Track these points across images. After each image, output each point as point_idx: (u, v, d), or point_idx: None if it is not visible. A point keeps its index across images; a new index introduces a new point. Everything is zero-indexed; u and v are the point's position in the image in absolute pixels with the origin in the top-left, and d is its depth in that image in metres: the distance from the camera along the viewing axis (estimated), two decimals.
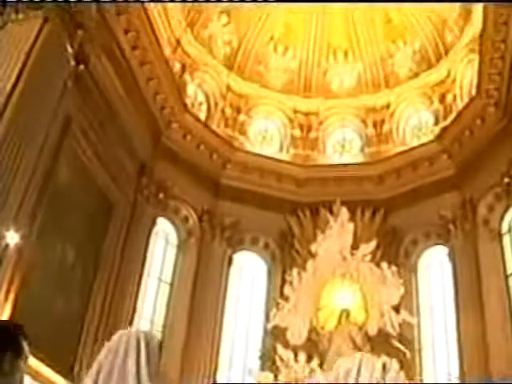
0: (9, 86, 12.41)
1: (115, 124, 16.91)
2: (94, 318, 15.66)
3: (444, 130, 20.09)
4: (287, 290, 17.84)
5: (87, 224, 15.90)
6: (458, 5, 19.94)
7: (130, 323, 16.43)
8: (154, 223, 19.01)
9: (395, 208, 20.33)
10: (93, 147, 16.04)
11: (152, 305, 18.79)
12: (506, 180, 17.47)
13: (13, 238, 12.31)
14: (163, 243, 19.84)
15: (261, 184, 20.99)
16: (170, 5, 18.26)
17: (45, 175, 13.81)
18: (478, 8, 17.96)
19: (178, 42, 19.48)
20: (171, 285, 19.29)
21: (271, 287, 20.43)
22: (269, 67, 22.35)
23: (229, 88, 21.73)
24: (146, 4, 16.66)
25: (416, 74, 21.71)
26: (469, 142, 19.17)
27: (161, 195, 19.10)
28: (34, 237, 13.39)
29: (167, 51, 18.52)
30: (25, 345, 3.34)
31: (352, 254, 18.01)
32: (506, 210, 18.13)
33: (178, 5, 18.88)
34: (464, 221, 18.87)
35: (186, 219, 20.10)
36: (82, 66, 14.77)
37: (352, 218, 19.22)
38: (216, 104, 21.47)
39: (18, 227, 12.42)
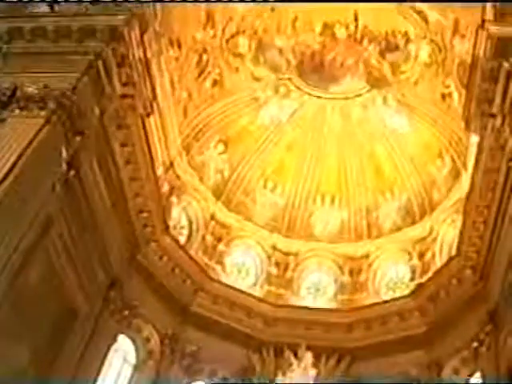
0: None
1: (95, 233, 16.75)
2: None
3: (419, 286, 20.24)
4: None
5: (48, 329, 15.48)
6: (447, 167, 20.61)
7: None
8: (114, 339, 18.57)
9: (361, 358, 20.07)
10: (67, 253, 15.83)
11: None
12: (475, 344, 17.40)
13: None
14: (121, 361, 19.29)
15: (229, 316, 20.80)
16: (169, 121, 18.59)
17: (14, 273, 13.55)
18: (469, 169, 18.50)
19: (172, 163, 19.76)
20: None
21: None
22: (256, 201, 22.65)
23: (213, 216, 21.91)
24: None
25: (399, 228, 22.06)
26: (443, 302, 19.31)
27: (126, 312, 18.73)
28: None
29: (159, 170, 18.71)
30: None
31: None
32: (471, 375, 17.99)
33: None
34: (429, 380, 18.69)
35: (148, 340, 19.68)
36: (72, 172, 14.81)
37: (316, 364, 19.08)
38: (198, 230, 21.56)
39: None
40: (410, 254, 21.61)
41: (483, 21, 14.65)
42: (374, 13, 19.36)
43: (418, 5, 18.16)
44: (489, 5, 14.95)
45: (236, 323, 20.77)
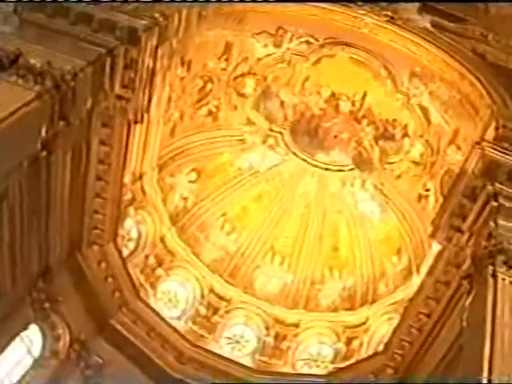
0: None
1: (43, 220, 16.29)
2: None
3: (337, 371, 20.32)
4: None
5: None
6: (401, 265, 20.76)
7: None
8: (25, 327, 18.02)
9: None
10: (11, 230, 15.43)
11: None
12: None
13: None
14: (24, 350, 18.71)
15: (145, 342, 20.34)
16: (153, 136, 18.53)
17: None
18: (421, 275, 18.61)
19: (141, 176, 19.53)
20: None
21: None
22: (208, 239, 22.43)
23: (162, 239, 21.62)
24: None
25: (335, 309, 22.01)
26: None
27: (47, 304, 18.20)
28: None
29: (127, 178, 18.47)
30: None
31: None
32: None
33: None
34: None
35: (58, 339, 19.13)
36: (44, 153, 14.51)
37: None
38: (144, 248, 21.19)
39: None
40: (338, 336, 21.56)
41: (482, 139, 14.85)
42: (382, 98, 19.54)
43: (426, 104, 18.34)
44: (491, 127, 15.27)
45: (149, 350, 20.29)
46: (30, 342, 18.70)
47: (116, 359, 19.73)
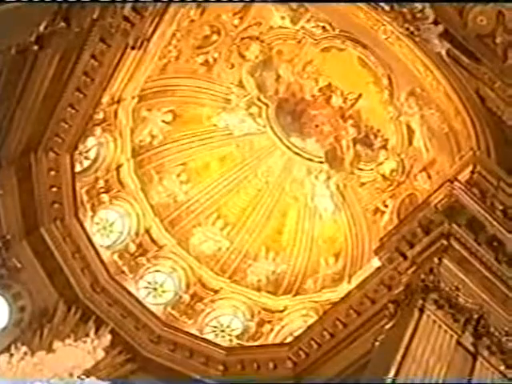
0: None
1: (10, 110, 16.11)
2: None
3: (240, 347, 20.68)
4: None
5: None
6: (336, 268, 20.93)
7: None
8: None
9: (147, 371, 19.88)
10: None
11: None
12: None
13: None
14: None
15: (116, 320, 20.17)
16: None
17: None
18: (351, 285, 18.99)
19: (119, 101, 19.22)
20: None
21: None
22: (161, 182, 22.27)
23: (117, 168, 21.41)
24: None
25: (258, 289, 22.09)
26: (249, 374, 19.61)
27: (3, 271, 18.62)
28: None
29: (104, 99, 18.28)
30: None
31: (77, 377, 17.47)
32: None
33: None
34: None
35: (22, 309, 19.33)
36: (35, 47, 14.14)
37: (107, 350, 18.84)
38: (97, 169, 20.98)
39: None
40: (252, 315, 21.72)
41: (455, 178, 14.93)
42: (374, 105, 19.60)
43: (414, 126, 18.41)
44: (468, 170, 15.37)
45: (68, 270, 19.93)
46: None
47: (33, 269, 19.45)
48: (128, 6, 14.77)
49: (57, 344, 18.35)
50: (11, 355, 17.70)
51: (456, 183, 14.54)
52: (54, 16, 13.42)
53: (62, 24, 13.82)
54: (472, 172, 15.19)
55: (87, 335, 18.94)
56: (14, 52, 13.85)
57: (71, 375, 17.77)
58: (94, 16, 14.40)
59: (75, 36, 14.84)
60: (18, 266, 19.20)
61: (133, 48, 16.40)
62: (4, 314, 19.39)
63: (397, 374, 11.18)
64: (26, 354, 17.75)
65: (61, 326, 19.42)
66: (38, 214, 19.43)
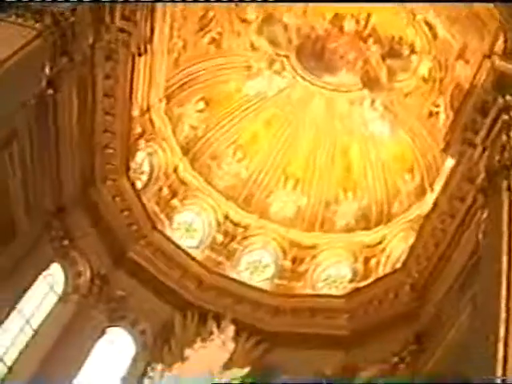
0: None
1: (54, 158, 16.56)
2: None
3: (356, 290, 20.47)
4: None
5: None
6: (415, 183, 20.73)
7: None
8: (47, 266, 18.38)
9: (280, 345, 19.95)
10: (23, 169, 15.60)
11: (10, 341, 17.71)
12: (395, 360, 17.56)
13: None
14: (47, 289, 19.04)
15: (164, 272, 20.55)
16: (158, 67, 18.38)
17: None
18: (435, 191, 18.65)
19: (149, 108, 19.38)
20: (36, 331, 18.37)
21: (130, 374, 19.68)
22: (221, 167, 22.40)
23: (175, 170, 21.62)
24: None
25: (351, 229, 22.05)
26: (374, 311, 19.49)
27: (66, 241, 18.53)
28: None
29: (135, 112, 18.43)
30: None
31: (220, 374, 17.87)
32: None
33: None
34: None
35: (79, 275, 19.37)
36: (50, 91, 14.54)
37: (236, 339, 19.13)
38: (157, 180, 21.20)
39: None
40: (355, 256, 21.66)
41: (491, 52, 14.53)
42: (387, 16, 19.20)
43: (432, 20, 17.97)
44: (500, 40, 14.91)
45: (168, 280, 20.52)
46: (52, 280, 18.99)
47: (138, 291, 19.99)
48: (117, 15, 14.82)
49: (188, 351, 18.92)
50: (150, 378, 18.35)
51: (494, 56, 14.16)
52: (53, 55, 13.79)
53: (64, 59, 14.15)
54: (505, 41, 14.68)
55: (211, 333, 19.39)
56: (34, 104, 14.31)
57: (212, 375, 18.25)
58: (90, 40, 14.60)
59: (81, 66, 15.09)
60: (123, 294, 19.85)
61: (139, 54, 16.50)
62: (129, 343, 20.16)
63: (509, 260, 10.99)
64: (163, 370, 18.36)
65: (184, 333, 19.98)
66: (121, 241, 20.00)
